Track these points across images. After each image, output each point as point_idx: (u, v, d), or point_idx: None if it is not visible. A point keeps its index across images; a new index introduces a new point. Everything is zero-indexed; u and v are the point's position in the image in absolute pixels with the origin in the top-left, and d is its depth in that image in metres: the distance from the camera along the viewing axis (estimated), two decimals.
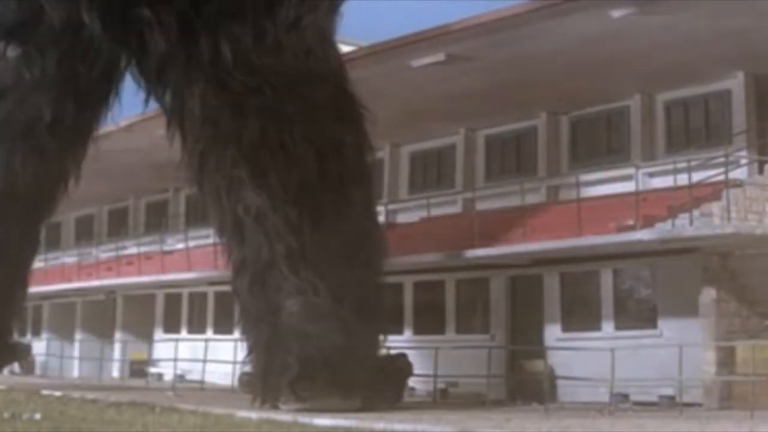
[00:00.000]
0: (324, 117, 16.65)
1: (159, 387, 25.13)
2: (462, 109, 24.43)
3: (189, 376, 27.64)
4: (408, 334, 24.32)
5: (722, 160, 19.47)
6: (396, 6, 60.62)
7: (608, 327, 20.57)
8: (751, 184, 19.48)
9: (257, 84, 16.02)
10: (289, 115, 16.21)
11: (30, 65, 19.10)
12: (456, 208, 25.61)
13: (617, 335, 20.05)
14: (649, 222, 18.95)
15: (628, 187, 21.01)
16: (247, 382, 17.22)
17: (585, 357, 19.59)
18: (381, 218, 26.03)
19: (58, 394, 18.65)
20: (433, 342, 23.15)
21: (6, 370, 25.49)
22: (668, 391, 18.37)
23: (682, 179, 19.26)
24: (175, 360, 27.09)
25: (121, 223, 37.16)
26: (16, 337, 28.57)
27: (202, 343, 26.84)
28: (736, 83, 20.91)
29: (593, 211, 20.14)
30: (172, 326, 31.66)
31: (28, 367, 23.33)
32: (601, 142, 23.68)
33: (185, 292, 31.27)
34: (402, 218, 26.42)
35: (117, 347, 33.47)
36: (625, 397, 18.66)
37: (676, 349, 17.15)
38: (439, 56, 20.86)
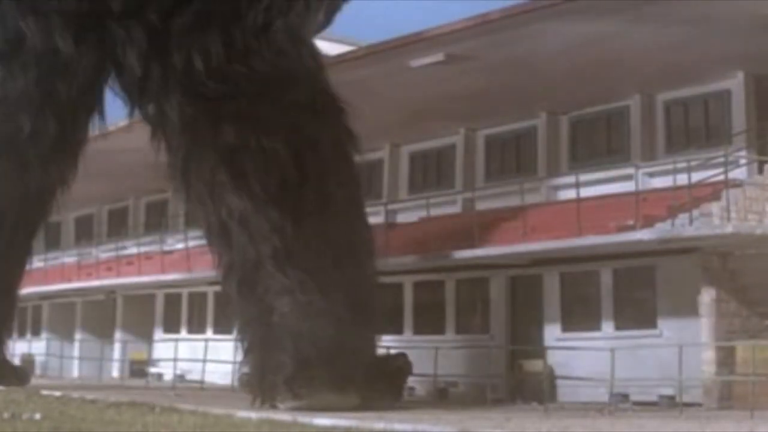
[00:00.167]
0: (299, 117, 16.84)
1: (159, 387, 25.13)
2: (462, 109, 24.43)
3: (189, 376, 27.65)
4: (408, 334, 24.32)
5: (722, 160, 19.48)
6: (396, 6, 60.65)
7: (608, 327, 20.57)
8: (751, 184, 19.49)
9: (230, 91, 16.35)
10: (264, 118, 16.46)
11: (13, 82, 19.40)
12: (456, 208, 25.62)
13: (617, 335, 20.06)
14: (649, 222, 18.96)
15: (628, 187, 21.01)
16: (246, 382, 17.28)
17: (585, 357, 19.60)
18: (380, 218, 26.16)
19: (58, 394, 18.65)
20: (433, 342, 23.18)
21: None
22: (668, 391, 18.38)
23: (682, 179, 19.26)
24: (175, 360, 27.10)
25: (121, 223, 37.17)
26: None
27: (202, 343, 26.84)
28: (736, 83, 20.91)
29: (593, 211, 20.14)
30: (172, 326, 31.67)
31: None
32: (601, 142, 23.68)
33: (185, 292, 31.28)
34: (402, 218, 26.42)
35: (117, 347, 33.48)
36: (625, 397, 18.67)
37: (676, 349, 17.15)
38: (439, 56, 20.87)
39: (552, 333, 21.43)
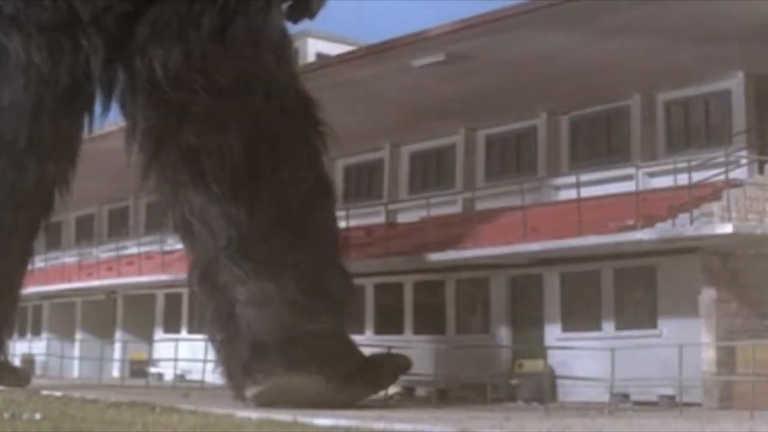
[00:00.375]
0: (256, 115, 17.28)
1: (159, 387, 25.13)
2: (462, 109, 24.43)
3: (189, 376, 27.63)
4: (408, 334, 24.32)
5: (722, 160, 19.48)
6: (396, 6, 60.65)
7: (608, 327, 20.57)
8: (751, 184, 19.49)
9: (190, 95, 16.99)
10: (221, 118, 17.03)
11: (4, 91, 19.93)
12: (456, 208, 25.62)
13: (617, 335, 20.05)
14: (649, 222, 18.96)
15: (629, 187, 21.01)
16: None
17: (585, 357, 19.60)
18: (380, 218, 26.17)
19: (58, 394, 18.65)
20: (433, 342, 23.19)
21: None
22: (668, 391, 18.37)
23: (682, 179, 19.26)
24: (175, 360, 27.07)
25: (121, 223, 37.16)
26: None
27: (202, 343, 26.80)
28: (736, 83, 20.91)
29: (593, 211, 20.14)
30: (172, 326, 31.65)
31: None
32: (601, 142, 23.68)
33: (185, 292, 31.26)
34: (402, 218, 26.42)
35: (117, 347, 33.45)
36: (625, 397, 18.67)
37: (676, 349, 17.15)
38: (439, 56, 20.87)
39: (552, 333, 21.43)
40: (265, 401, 16.13)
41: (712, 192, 19.05)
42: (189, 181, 17.25)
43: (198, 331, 30.01)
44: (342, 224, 26.52)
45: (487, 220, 23.13)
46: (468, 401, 20.09)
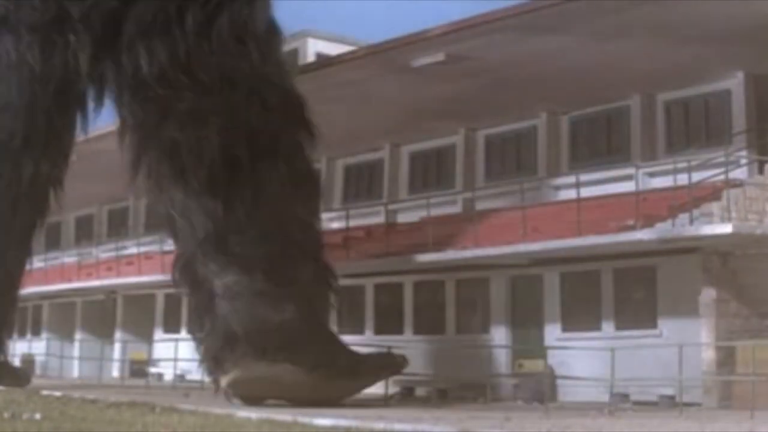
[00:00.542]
0: (236, 111, 17.45)
1: (159, 387, 25.12)
2: (462, 109, 24.44)
3: (189, 376, 27.62)
4: (408, 334, 24.33)
5: (722, 160, 19.49)
6: (396, 6, 60.63)
7: (608, 327, 20.57)
8: (751, 184, 19.49)
9: (174, 94, 17.19)
10: (203, 114, 17.25)
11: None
12: (456, 208, 25.63)
13: (617, 335, 20.06)
14: (649, 222, 18.96)
15: (629, 187, 21.01)
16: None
17: (585, 357, 19.60)
18: (380, 218, 26.17)
19: (58, 394, 18.65)
20: (433, 342, 23.21)
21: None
22: (668, 391, 18.37)
23: (682, 179, 19.27)
24: (175, 360, 27.07)
25: (121, 223, 37.16)
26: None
27: None
28: (736, 83, 20.92)
29: (593, 211, 20.15)
30: (172, 326, 31.64)
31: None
32: (601, 142, 23.68)
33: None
34: (402, 218, 26.42)
35: (117, 347, 33.45)
36: (625, 397, 18.67)
37: (676, 349, 17.15)
38: (439, 56, 20.87)
39: (552, 333, 21.43)
40: (241, 391, 16.41)
41: (712, 192, 19.05)
42: (170, 176, 17.52)
43: None
44: (342, 224, 26.66)
45: (487, 220, 23.14)
46: (468, 401, 20.08)
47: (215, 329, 17.19)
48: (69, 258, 36.62)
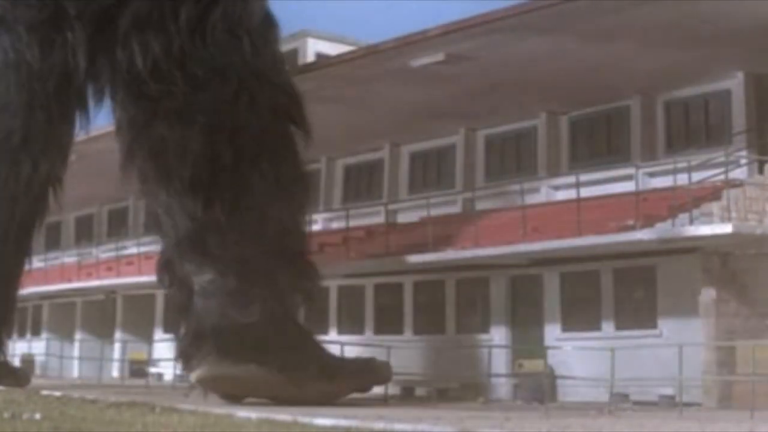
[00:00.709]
0: (225, 105, 17.45)
1: (159, 387, 25.12)
2: (462, 109, 24.44)
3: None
4: (408, 333, 24.33)
5: (722, 160, 19.49)
6: (396, 6, 60.63)
7: (608, 327, 20.58)
8: (751, 184, 19.49)
9: (167, 90, 17.21)
10: (190, 112, 17.27)
11: None
12: (456, 208, 25.64)
13: (617, 335, 20.06)
14: (649, 222, 18.97)
15: (628, 187, 21.01)
16: None
17: (585, 357, 19.61)
18: (380, 218, 26.17)
19: (58, 394, 18.64)
20: (434, 342, 23.21)
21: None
22: (668, 391, 18.37)
23: (682, 179, 19.28)
24: (175, 360, 27.03)
25: (121, 223, 37.16)
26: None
27: None
28: (736, 83, 20.93)
29: (593, 211, 20.15)
30: (171, 326, 31.64)
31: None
32: (601, 142, 23.69)
33: None
34: (402, 218, 26.43)
35: (117, 347, 33.45)
36: (625, 397, 18.66)
37: (676, 349, 17.15)
38: (439, 56, 20.87)
39: (552, 333, 21.43)
40: (210, 389, 16.55)
41: (712, 192, 19.06)
42: (155, 174, 17.63)
43: None
44: (342, 224, 26.67)
45: (487, 220, 23.15)
46: (468, 401, 20.08)
47: (188, 327, 17.46)
48: (69, 258, 36.61)
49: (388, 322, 24.89)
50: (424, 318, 24.20)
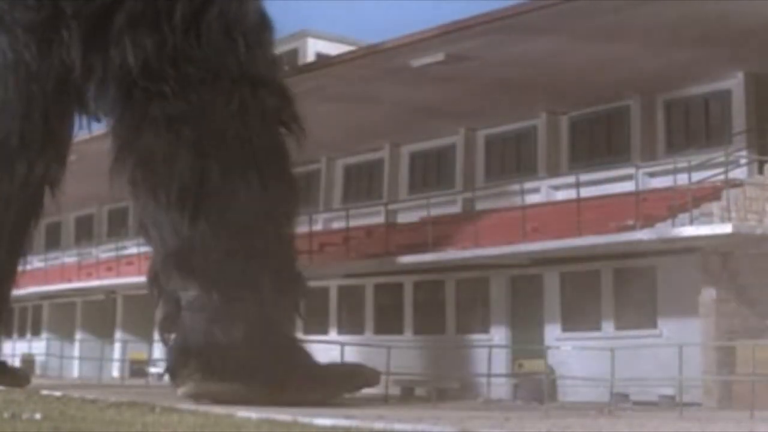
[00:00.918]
0: (216, 113, 17.43)
1: (159, 387, 25.09)
2: (462, 109, 24.44)
3: None
4: (408, 333, 24.33)
5: (722, 160, 19.49)
6: (396, 6, 60.65)
7: (608, 327, 20.58)
8: (751, 184, 19.50)
9: (160, 90, 17.22)
10: (180, 120, 17.26)
11: None
12: (456, 208, 25.63)
13: (617, 335, 20.06)
14: (649, 222, 18.97)
15: (628, 187, 21.01)
16: None
17: (585, 357, 19.61)
18: (380, 218, 26.17)
19: (58, 394, 18.64)
20: (434, 342, 23.20)
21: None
22: (668, 391, 18.37)
23: (682, 179, 19.27)
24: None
25: (121, 223, 37.15)
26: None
27: None
28: (736, 83, 20.93)
29: (593, 211, 20.15)
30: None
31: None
32: (601, 142, 23.68)
33: None
34: (402, 218, 26.42)
35: (117, 347, 33.45)
36: (625, 397, 18.67)
37: (676, 349, 17.15)
38: (439, 56, 20.86)
39: (552, 333, 21.43)
40: (198, 402, 16.54)
41: (711, 192, 19.06)
42: (143, 187, 17.68)
43: None
44: (342, 224, 26.67)
45: (487, 220, 23.15)
46: (468, 401, 20.08)
47: (176, 341, 17.56)
48: (69, 258, 36.60)
49: (388, 322, 24.89)
50: (424, 318, 24.20)
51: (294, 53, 29.14)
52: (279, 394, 16.33)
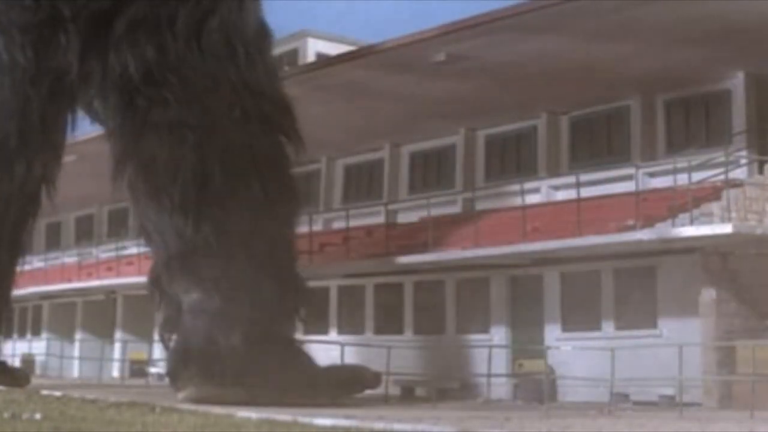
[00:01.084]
0: (217, 122, 17.51)
1: (159, 387, 25.10)
2: (462, 109, 24.43)
3: None
4: (408, 333, 24.33)
5: (722, 160, 19.49)
6: (396, 6, 60.64)
7: (608, 327, 20.57)
8: (751, 184, 19.50)
9: (161, 98, 17.32)
10: (181, 125, 17.33)
11: None
12: (456, 208, 25.63)
13: (617, 335, 20.06)
14: (649, 222, 18.96)
15: (628, 187, 21.01)
16: None
17: (585, 357, 19.61)
18: (380, 218, 26.17)
19: (58, 394, 18.64)
20: (434, 342, 23.20)
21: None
22: (668, 391, 18.38)
23: (682, 179, 19.27)
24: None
25: (121, 223, 37.14)
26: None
27: None
28: (736, 83, 20.92)
29: (593, 211, 20.15)
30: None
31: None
32: (601, 142, 23.68)
33: None
34: (402, 218, 26.43)
35: (117, 347, 33.45)
36: (625, 397, 18.67)
37: (676, 349, 17.15)
38: (439, 56, 20.86)
39: (552, 333, 21.43)
40: (198, 405, 16.54)
41: (712, 192, 19.06)
42: (145, 188, 17.76)
43: None
44: (342, 224, 26.66)
45: (487, 220, 23.14)
46: (468, 401, 20.08)
47: (177, 344, 17.59)
48: (69, 258, 36.60)
49: (388, 322, 24.88)
50: (424, 318, 24.19)
51: (294, 53, 29.16)
52: (280, 399, 16.34)
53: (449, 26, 20.27)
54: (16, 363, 30.98)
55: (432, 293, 24.11)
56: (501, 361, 21.53)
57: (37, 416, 12.10)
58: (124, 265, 32.34)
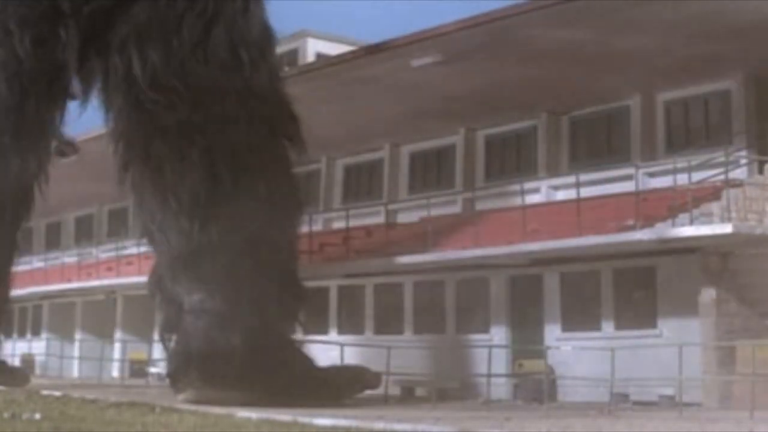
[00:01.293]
0: (225, 125, 17.55)
1: (159, 387, 25.09)
2: (462, 109, 24.44)
3: None
4: (408, 334, 24.32)
5: (722, 160, 19.48)
6: (396, 6, 60.68)
7: (608, 327, 20.57)
8: (751, 184, 19.50)
9: (167, 102, 17.28)
10: (189, 130, 17.35)
11: None
12: (456, 208, 25.64)
13: (617, 335, 20.06)
14: (649, 222, 18.96)
15: (628, 187, 21.01)
16: None
17: (585, 357, 19.61)
18: (380, 218, 26.18)
19: (58, 394, 18.65)
20: (434, 342, 23.19)
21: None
22: (668, 391, 18.37)
23: (682, 179, 19.27)
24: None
25: (121, 223, 37.15)
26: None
27: None
28: (736, 83, 20.92)
29: (593, 211, 20.15)
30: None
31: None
32: (601, 142, 23.69)
33: None
34: (402, 218, 26.43)
35: (117, 347, 33.45)
36: (625, 397, 18.67)
37: (676, 349, 17.16)
38: (439, 56, 20.87)
39: (552, 333, 21.43)
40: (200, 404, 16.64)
41: (711, 192, 19.06)
42: (151, 192, 17.74)
43: None
44: (342, 224, 26.67)
45: (487, 220, 23.14)
46: (468, 401, 20.08)
47: (177, 346, 17.59)
48: (69, 258, 36.61)
49: (388, 322, 24.88)
50: (424, 318, 24.19)
51: (294, 53, 29.17)
52: (280, 401, 16.35)
53: (449, 26, 20.28)
54: (16, 363, 30.99)
55: (432, 293, 24.11)
56: (501, 361, 21.53)
57: (37, 416, 12.10)
58: (124, 265, 32.35)
